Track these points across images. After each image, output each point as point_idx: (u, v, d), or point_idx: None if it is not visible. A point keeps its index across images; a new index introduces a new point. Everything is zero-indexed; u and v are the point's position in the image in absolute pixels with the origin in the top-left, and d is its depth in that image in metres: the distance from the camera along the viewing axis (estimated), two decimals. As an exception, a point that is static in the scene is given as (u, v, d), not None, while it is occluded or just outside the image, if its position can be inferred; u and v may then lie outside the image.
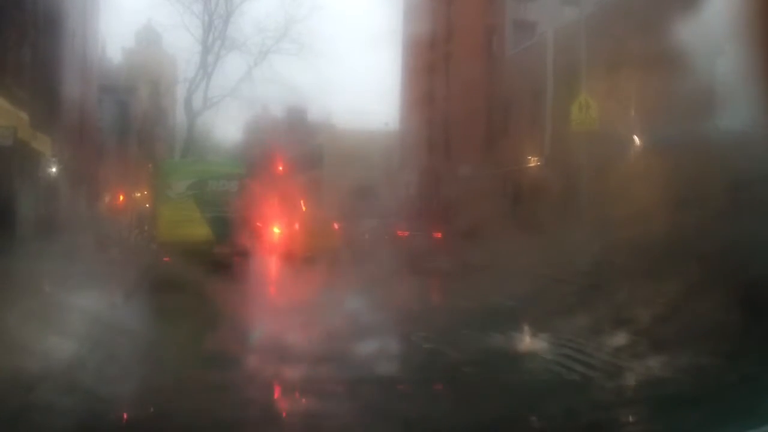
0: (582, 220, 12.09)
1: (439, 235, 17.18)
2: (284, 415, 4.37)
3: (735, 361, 4.88)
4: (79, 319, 6.03)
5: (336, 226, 16.64)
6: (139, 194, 26.78)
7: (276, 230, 16.66)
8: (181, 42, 40.26)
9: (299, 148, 34.02)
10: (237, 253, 12.05)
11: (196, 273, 8.33)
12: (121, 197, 27.27)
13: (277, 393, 4.74)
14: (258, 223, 14.81)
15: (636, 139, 13.25)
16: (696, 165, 9.35)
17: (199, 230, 12.27)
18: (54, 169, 17.16)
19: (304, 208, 17.55)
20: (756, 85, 8.53)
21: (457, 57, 24.15)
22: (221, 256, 11.54)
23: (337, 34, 56.78)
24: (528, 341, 6.70)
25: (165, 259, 11.81)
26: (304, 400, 4.55)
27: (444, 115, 24.47)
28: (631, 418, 4.12)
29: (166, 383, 4.45)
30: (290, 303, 9.03)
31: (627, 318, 6.27)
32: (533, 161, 18.61)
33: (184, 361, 5.13)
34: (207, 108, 25.05)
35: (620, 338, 5.76)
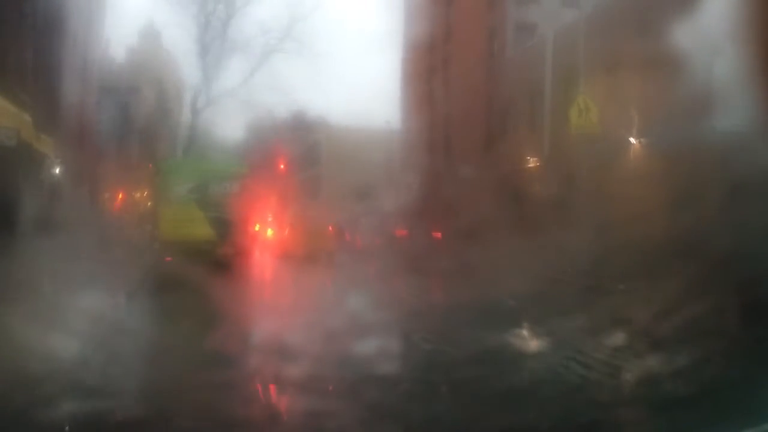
0: (581, 220, 12.12)
1: (439, 235, 17.20)
2: (284, 414, 4.39)
3: (734, 361, 4.90)
4: (82, 319, 6.05)
5: (330, 227, 16.67)
6: (140, 194, 26.81)
7: (270, 231, 16.70)
8: (182, 43, 40.30)
9: (299, 148, 34.04)
10: (238, 253, 12.07)
11: (198, 273, 8.35)
12: (123, 197, 27.31)
13: (277, 392, 4.76)
14: (258, 223, 14.84)
15: (634, 140, 13.27)
16: (694, 166, 9.37)
17: (201, 230, 12.30)
18: (57, 170, 17.22)
19: (300, 209, 17.61)
20: (754, 85, 8.55)
21: (458, 58, 24.19)
22: (222, 256, 11.56)
23: (337, 36, 56.71)
24: (527, 341, 6.72)
25: (166, 258, 11.85)
26: (304, 399, 4.56)
27: (444, 115, 24.50)
28: (630, 418, 4.13)
29: (167, 382, 4.47)
30: (290, 303, 9.05)
31: (626, 318, 6.28)
32: (533, 162, 18.63)
33: (185, 361, 5.15)
34: (208, 108, 25.18)
35: (619, 338, 5.77)
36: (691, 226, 8.20)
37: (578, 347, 5.71)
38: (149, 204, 19.92)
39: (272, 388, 4.83)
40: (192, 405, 3.92)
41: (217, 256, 11.41)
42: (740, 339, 5.43)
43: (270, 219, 16.79)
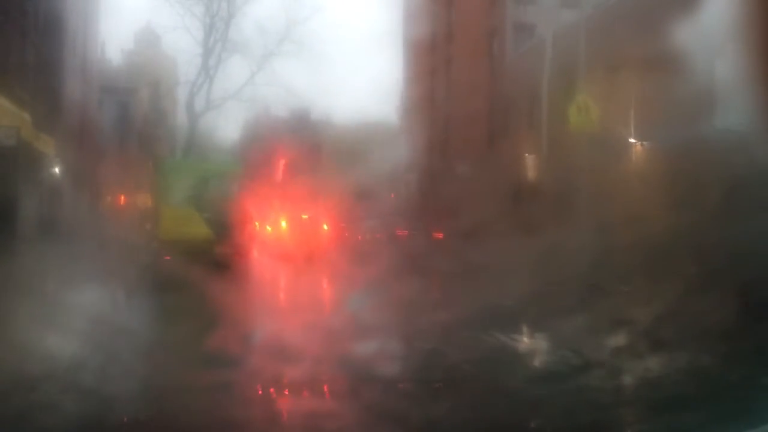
0: (581, 220, 12.11)
1: (439, 235, 17.19)
2: (284, 415, 4.39)
3: (735, 361, 4.89)
4: (80, 319, 6.05)
5: (329, 227, 16.65)
6: (140, 194, 26.80)
7: (270, 231, 16.68)
8: (181, 44, 40.27)
9: (300, 149, 33.98)
10: (237, 253, 12.06)
11: (197, 272, 8.34)
12: (122, 197, 27.30)
13: (277, 393, 4.76)
14: (257, 224, 14.84)
15: (635, 140, 13.27)
16: (694, 166, 9.36)
17: (200, 230, 12.32)
18: (56, 169, 17.22)
19: (300, 209, 17.62)
20: (755, 86, 8.54)
21: (458, 59, 24.20)
22: (221, 256, 11.56)
23: (338, 36, 56.65)
24: (527, 341, 6.72)
25: (165, 258, 11.85)
26: (304, 400, 4.56)
27: (445, 116, 24.52)
28: (630, 418, 4.13)
29: (166, 383, 4.46)
30: (290, 303, 9.04)
31: (626, 318, 6.28)
32: (533, 162, 18.64)
33: (184, 361, 5.14)
34: (209, 109, 25.24)
35: (619, 338, 5.77)
36: (692, 226, 8.18)
37: (578, 348, 5.70)
38: (149, 204, 19.91)
39: (272, 388, 4.83)
40: (191, 405, 3.92)
41: (217, 256, 11.40)
42: (740, 340, 5.42)
43: (269, 219, 16.78)
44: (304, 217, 17.67)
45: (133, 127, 33.31)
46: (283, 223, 17.66)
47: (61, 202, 18.12)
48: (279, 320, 7.40)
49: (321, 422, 3.99)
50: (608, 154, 13.08)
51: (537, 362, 5.81)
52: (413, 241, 16.57)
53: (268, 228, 16.85)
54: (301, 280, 10.96)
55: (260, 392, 4.73)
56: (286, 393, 4.75)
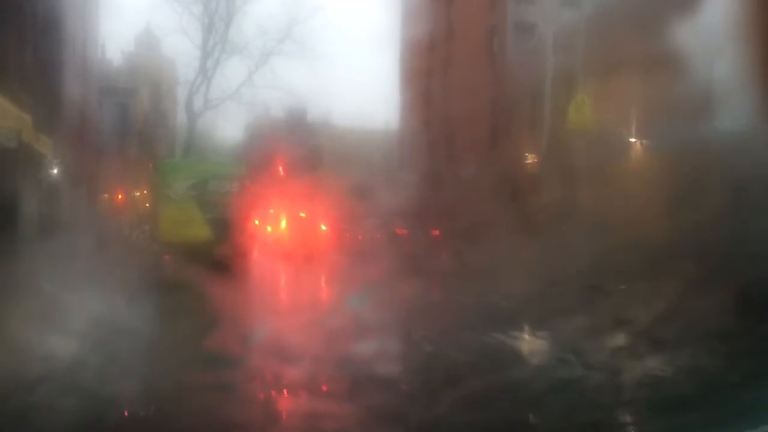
0: (581, 220, 12.11)
1: (438, 234, 17.19)
2: (284, 415, 4.39)
3: (735, 361, 4.90)
4: (80, 319, 6.04)
5: (329, 227, 16.65)
6: (139, 194, 26.83)
7: (269, 232, 16.68)
8: (181, 44, 40.29)
9: (299, 149, 33.99)
10: (237, 254, 12.06)
11: (196, 272, 8.34)
12: (122, 197, 27.32)
13: (277, 393, 4.76)
14: (256, 223, 14.84)
15: (635, 139, 13.28)
16: (695, 166, 9.37)
17: (199, 231, 12.32)
18: (56, 170, 17.23)
19: (299, 209, 17.63)
20: (754, 86, 8.55)
21: (458, 58, 24.21)
22: (221, 257, 11.56)
23: (337, 36, 56.74)
24: (527, 341, 6.72)
25: (165, 258, 11.86)
26: (304, 400, 4.56)
27: (444, 115, 24.52)
28: (630, 419, 4.14)
29: (166, 383, 4.46)
30: (290, 303, 9.05)
31: (626, 318, 6.28)
32: (532, 161, 18.64)
33: (184, 361, 5.13)
34: (207, 110, 25.27)
35: (619, 338, 5.77)
36: (692, 226, 8.19)
37: (578, 348, 5.70)
38: (148, 204, 19.93)
39: (272, 389, 4.83)
40: (191, 405, 3.92)
41: (216, 257, 11.40)
42: (740, 340, 5.43)
43: (269, 219, 16.77)
44: (303, 215, 17.67)
45: (133, 128, 33.32)
46: (283, 223, 17.66)
47: (62, 203, 18.13)
48: (279, 320, 7.39)
49: (321, 422, 3.99)
50: (608, 153, 13.08)
51: (537, 362, 5.80)
52: (413, 240, 16.57)
53: (268, 228, 16.84)
54: (301, 279, 10.95)
55: (260, 392, 4.73)
56: (286, 393, 4.76)
